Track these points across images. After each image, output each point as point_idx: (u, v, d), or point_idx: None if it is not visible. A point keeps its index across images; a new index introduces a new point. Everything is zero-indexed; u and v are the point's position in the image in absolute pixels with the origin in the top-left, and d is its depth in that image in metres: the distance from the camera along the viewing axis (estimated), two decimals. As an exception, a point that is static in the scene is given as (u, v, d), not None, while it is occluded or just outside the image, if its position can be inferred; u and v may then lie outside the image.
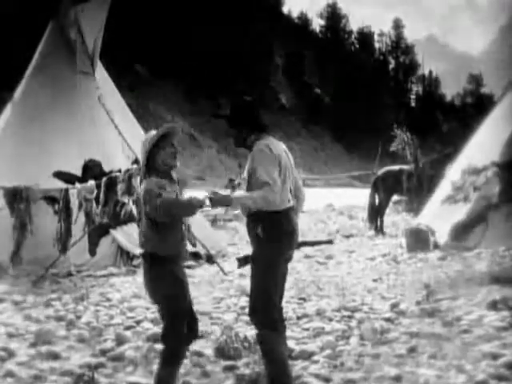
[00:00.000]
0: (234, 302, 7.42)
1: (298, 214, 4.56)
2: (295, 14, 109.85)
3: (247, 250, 12.27)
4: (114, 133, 10.95)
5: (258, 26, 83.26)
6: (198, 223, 11.80)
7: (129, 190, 9.25)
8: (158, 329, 6.02)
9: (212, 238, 12.03)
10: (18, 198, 9.46)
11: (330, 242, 12.28)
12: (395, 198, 18.58)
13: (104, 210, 9.27)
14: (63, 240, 9.42)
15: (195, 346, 5.55)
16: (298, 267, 10.02)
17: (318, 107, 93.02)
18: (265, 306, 4.26)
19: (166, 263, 4.16)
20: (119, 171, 9.66)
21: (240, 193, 4.36)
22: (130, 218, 10.11)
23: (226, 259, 11.40)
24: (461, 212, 11.20)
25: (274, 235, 4.25)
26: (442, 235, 11.12)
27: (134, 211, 9.94)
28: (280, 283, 4.39)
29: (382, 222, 15.70)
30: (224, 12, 78.56)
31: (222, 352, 5.23)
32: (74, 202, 9.47)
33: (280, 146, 4.44)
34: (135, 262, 10.27)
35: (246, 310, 6.93)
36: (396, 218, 18.40)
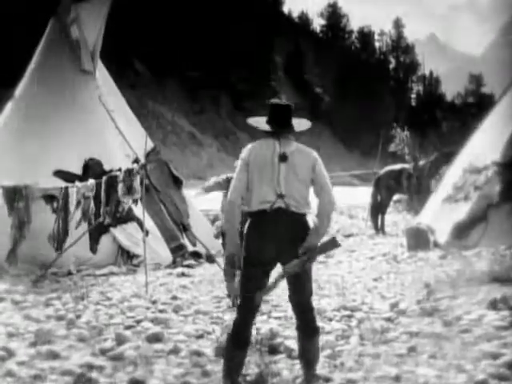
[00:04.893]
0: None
1: (323, 216, 4.36)
2: (295, 14, 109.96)
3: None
4: (115, 132, 10.95)
5: (258, 26, 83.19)
6: (198, 223, 11.82)
7: (130, 190, 9.24)
8: (158, 328, 6.03)
9: (212, 238, 12.03)
10: (17, 196, 9.45)
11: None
12: (396, 197, 18.61)
13: (106, 210, 9.25)
14: (60, 239, 9.42)
15: (195, 345, 5.57)
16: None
17: (319, 106, 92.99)
18: None
19: None
20: (119, 170, 9.66)
21: None
22: (130, 218, 10.11)
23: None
24: (461, 211, 11.20)
25: (245, 236, 4.35)
26: (443, 234, 11.13)
27: (135, 211, 9.94)
28: (250, 288, 4.31)
29: (383, 221, 15.73)
30: (224, 11, 78.52)
31: (222, 351, 5.22)
32: (73, 201, 9.47)
33: (263, 147, 4.41)
34: (135, 262, 10.26)
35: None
36: (396, 217, 18.41)
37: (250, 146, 4.49)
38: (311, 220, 4.40)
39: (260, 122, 4.54)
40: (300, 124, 4.58)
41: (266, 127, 4.50)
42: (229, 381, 4.35)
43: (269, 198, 4.30)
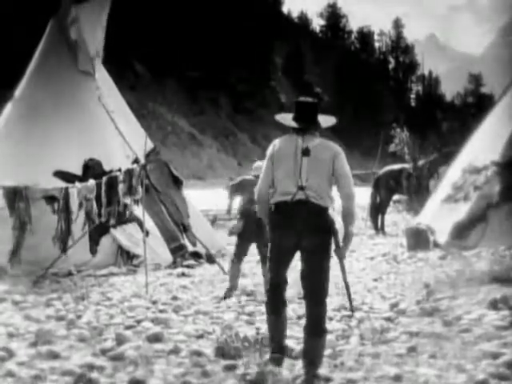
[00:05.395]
0: (234, 302, 7.43)
1: (344, 210, 4.62)
2: (295, 14, 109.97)
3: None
4: (115, 132, 10.95)
5: (257, 26, 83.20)
6: (198, 223, 11.83)
7: (130, 190, 9.24)
8: (158, 328, 6.04)
9: (212, 238, 12.04)
10: (17, 197, 9.44)
11: None
12: (396, 197, 18.62)
13: (109, 211, 9.24)
14: (63, 239, 9.40)
15: (195, 345, 5.57)
16: (298, 266, 10.01)
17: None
18: None
19: None
20: (119, 170, 9.66)
21: None
22: (131, 218, 10.11)
23: (226, 258, 11.40)
24: (461, 211, 11.21)
25: (269, 225, 4.76)
26: (442, 234, 11.13)
27: (135, 211, 9.93)
28: (275, 266, 4.77)
29: (382, 221, 15.74)
30: (224, 11, 78.53)
31: (222, 351, 5.23)
32: (74, 202, 9.45)
33: (287, 143, 4.69)
34: (135, 262, 10.27)
35: (246, 310, 6.97)
36: (396, 217, 18.41)
37: (275, 141, 4.78)
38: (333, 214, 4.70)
39: (287, 119, 4.78)
40: (326, 120, 4.79)
41: (293, 124, 4.71)
42: (274, 344, 4.78)
43: (290, 189, 4.55)
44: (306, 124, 4.67)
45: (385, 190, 16.16)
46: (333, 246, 4.66)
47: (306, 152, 4.57)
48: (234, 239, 14.56)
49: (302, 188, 4.53)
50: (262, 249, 7.77)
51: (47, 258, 9.43)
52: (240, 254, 8.06)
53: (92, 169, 10.61)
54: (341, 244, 4.67)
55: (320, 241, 4.55)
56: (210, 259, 10.55)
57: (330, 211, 4.65)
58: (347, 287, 4.89)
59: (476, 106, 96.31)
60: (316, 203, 4.53)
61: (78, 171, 10.59)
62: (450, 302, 6.81)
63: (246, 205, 7.87)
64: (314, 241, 4.53)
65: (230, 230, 8.33)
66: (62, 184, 9.97)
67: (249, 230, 7.80)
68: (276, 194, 4.64)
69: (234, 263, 8.05)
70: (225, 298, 7.66)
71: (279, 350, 4.76)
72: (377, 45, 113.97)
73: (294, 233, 4.54)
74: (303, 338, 4.69)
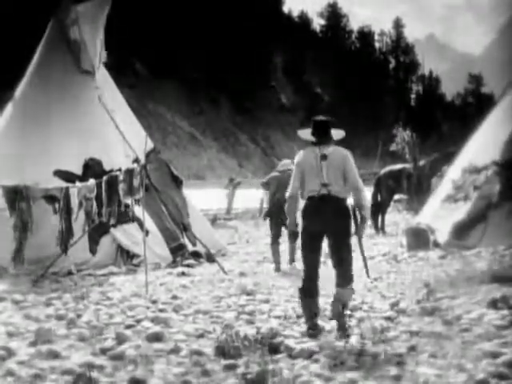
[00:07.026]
0: (234, 301, 7.43)
1: (355, 198, 5.87)
2: (295, 14, 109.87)
3: (247, 248, 12.27)
4: (115, 132, 10.95)
5: (258, 26, 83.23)
6: (198, 222, 11.84)
7: (130, 190, 9.23)
8: (158, 328, 6.04)
9: (212, 237, 12.05)
10: (18, 197, 9.42)
11: None
12: (396, 197, 18.63)
13: (109, 211, 9.22)
14: (65, 239, 9.39)
15: (195, 344, 5.57)
16: (298, 266, 10.01)
17: (318, 106, 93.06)
18: None
19: None
20: (119, 170, 9.65)
21: None
22: (131, 218, 10.10)
23: (226, 258, 11.41)
24: (461, 211, 11.21)
25: (301, 215, 5.98)
26: (443, 234, 11.13)
27: (135, 211, 9.93)
28: (308, 253, 5.91)
29: (383, 220, 15.75)
30: (224, 11, 78.55)
31: (222, 351, 5.23)
32: (75, 201, 9.44)
33: (309, 152, 5.98)
34: (135, 261, 10.27)
35: (246, 309, 6.97)
36: (396, 217, 18.41)
37: (300, 152, 6.10)
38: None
39: (306, 134, 6.14)
40: (337, 134, 6.19)
41: (311, 138, 6.08)
42: (310, 322, 5.86)
43: (316, 187, 5.87)
44: (322, 138, 6.01)
45: (385, 189, 16.17)
46: (353, 230, 5.92)
47: (323, 157, 5.91)
48: (234, 239, 14.68)
49: (324, 185, 5.85)
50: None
51: (49, 257, 9.44)
52: (276, 235, 9.95)
53: (92, 168, 10.60)
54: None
55: (341, 223, 5.84)
56: (210, 258, 10.55)
57: (348, 202, 5.90)
58: (364, 258, 6.09)
59: (476, 105, 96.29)
60: (336, 196, 5.83)
61: (78, 171, 10.60)
62: (450, 301, 6.81)
63: (274, 195, 9.79)
64: (337, 223, 5.82)
65: (264, 215, 10.63)
66: (62, 183, 9.96)
67: (278, 214, 9.43)
68: (306, 192, 5.94)
69: (273, 244, 9.88)
70: (276, 270, 9.78)
71: (313, 327, 5.81)
72: (377, 45, 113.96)
73: (321, 219, 5.80)
74: (335, 284, 5.90)
